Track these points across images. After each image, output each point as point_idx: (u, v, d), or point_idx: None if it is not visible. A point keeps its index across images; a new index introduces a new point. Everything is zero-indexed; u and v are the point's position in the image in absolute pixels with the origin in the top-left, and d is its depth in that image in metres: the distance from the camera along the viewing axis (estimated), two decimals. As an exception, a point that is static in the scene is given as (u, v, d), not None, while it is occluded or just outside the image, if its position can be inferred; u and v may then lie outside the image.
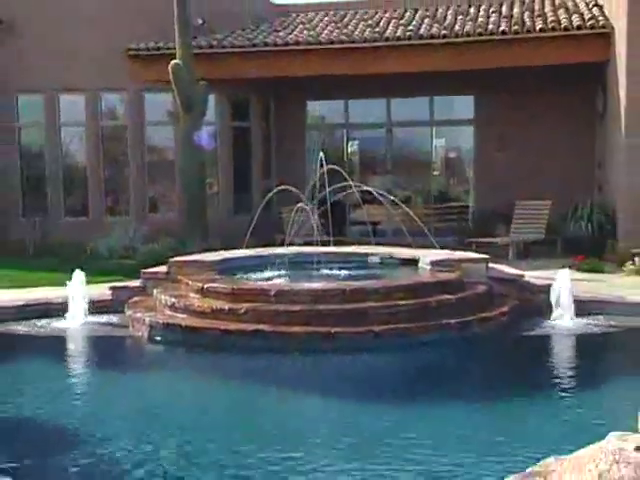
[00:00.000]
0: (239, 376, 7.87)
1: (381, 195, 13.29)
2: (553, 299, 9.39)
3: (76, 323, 9.68)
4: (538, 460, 2.90)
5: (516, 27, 15.99)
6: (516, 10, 17.33)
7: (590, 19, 15.83)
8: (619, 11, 14.81)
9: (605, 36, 15.45)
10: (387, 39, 16.37)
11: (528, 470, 2.84)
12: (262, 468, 5.27)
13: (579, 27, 15.59)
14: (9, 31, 17.77)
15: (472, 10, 17.84)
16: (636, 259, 12.75)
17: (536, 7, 17.48)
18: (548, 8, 17.26)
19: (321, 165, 12.12)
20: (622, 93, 14.50)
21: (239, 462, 5.44)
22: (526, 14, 16.89)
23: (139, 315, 9.28)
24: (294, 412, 6.84)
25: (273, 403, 7.09)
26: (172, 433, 6.24)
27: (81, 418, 6.76)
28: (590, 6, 16.86)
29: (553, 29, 15.71)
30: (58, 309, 9.93)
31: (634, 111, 14.17)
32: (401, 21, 17.45)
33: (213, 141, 16.37)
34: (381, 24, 17.39)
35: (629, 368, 7.76)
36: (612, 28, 15.30)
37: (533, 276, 10.72)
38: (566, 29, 15.63)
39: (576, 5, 17.23)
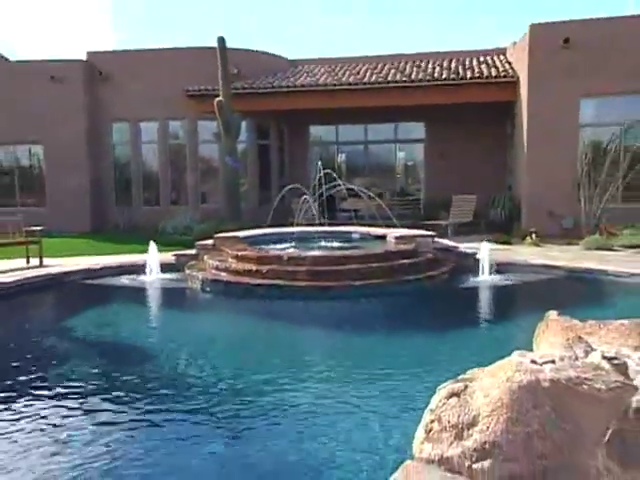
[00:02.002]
0: (262, 314, 7.89)
1: (361, 191, 13.31)
2: (480, 262, 9.45)
3: (152, 278, 9.72)
4: (466, 370, 2.90)
5: (453, 76, 15.95)
6: (453, 64, 17.31)
7: (503, 71, 15.88)
8: (522, 66, 14.85)
9: (513, 83, 15.45)
10: (365, 83, 16.29)
11: (459, 377, 2.85)
12: (278, 364, 5.51)
13: (496, 76, 15.64)
14: (106, 80, 17.72)
15: (423, 64, 17.77)
16: (533, 235, 12.78)
17: (467, 62, 17.44)
18: (475, 63, 17.24)
19: (319, 170, 12.09)
20: (524, 123, 14.52)
21: (261, 362, 5.62)
22: (460, 67, 16.85)
23: (194, 273, 9.28)
24: (298, 334, 6.98)
25: (284, 329, 7.24)
26: (216, 345, 6.45)
27: (156, 339, 6.92)
28: (503, 62, 16.97)
29: (479, 77, 15.68)
30: (140, 268, 9.94)
31: (532, 134, 14.25)
32: (375, 70, 17.37)
33: (238, 163, 16.18)
34: (361, 72, 17.31)
35: (529, 307, 7.79)
36: (518, 78, 15.30)
37: (464, 247, 10.74)
38: (487, 77, 15.63)
39: (494, 61, 17.27)
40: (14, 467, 3.49)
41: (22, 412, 4.39)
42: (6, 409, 4.45)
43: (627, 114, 13.72)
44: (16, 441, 3.87)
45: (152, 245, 10.01)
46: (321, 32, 49.09)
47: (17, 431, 4.01)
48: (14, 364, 5.77)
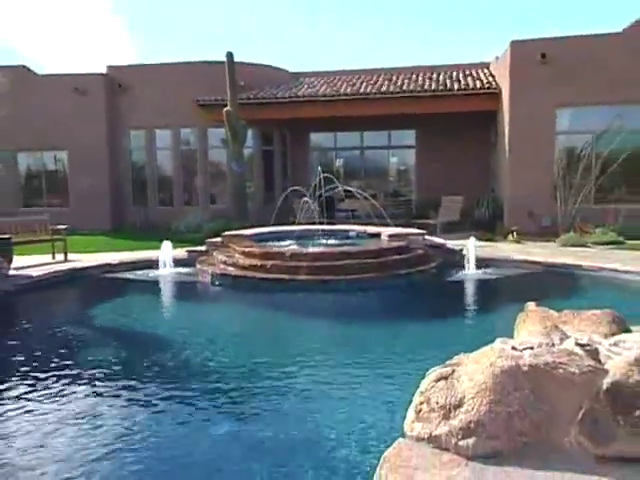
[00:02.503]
0: (266, 305, 7.92)
1: (357, 193, 13.31)
2: (466, 257, 9.50)
3: (166, 272, 9.73)
4: (453, 356, 2.92)
5: (442, 87, 15.91)
6: (441, 77, 17.24)
7: (487, 83, 15.79)
8: (504, 79, 14.84)
9: (496, 95, 15.39)
10: (361, 94, 16.27)
11: (447, 362, 2.87)
12: (280, 348, 5.57)
13: (480, 88, 15.57)
14: (125, 91, 17.74)
15: (414, 76, 17.73)
16: (514, 233, 12.80)
17: (454, 75, 17.37)
18: (461, 76, 17.16)
19: (319, 173, 12.10)
20: (506, 131, 14.51)
21: (263, 351, 5.59)
22: (447, 79, 16.80)
23: (204, 268, 9.30)
24: (299, 322, 7.01)
25: (286, 317, 7.28)
26: (223, 333, 6.44)
27: (169, 327, 6.93)
28: (487, 75, 16.87)
29: (464, 89, 15.65)
30: (155, 263, 9.94)
31: (513, 141, 14.27)
32: (370, 82, 17.34)
33: (243, 167, 16.15)
34: (357, 84, 17.27)
35: (510, 298, 7.81)
36: (500, 90, 15.26)
37: (452, 244, 10.75)
38: (472, 89, 15.60)
39: (478, 74, 17.17)
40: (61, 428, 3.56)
41: (57, 382, 4.55)
42: (43, 380, 4.56)
43: (599, 123, 13.74)
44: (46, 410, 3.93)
45: (166, 242, 10.02)
46: (322, 47, 49.10)
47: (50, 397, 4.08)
48: (42, 346, 5.87)
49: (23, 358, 5.49)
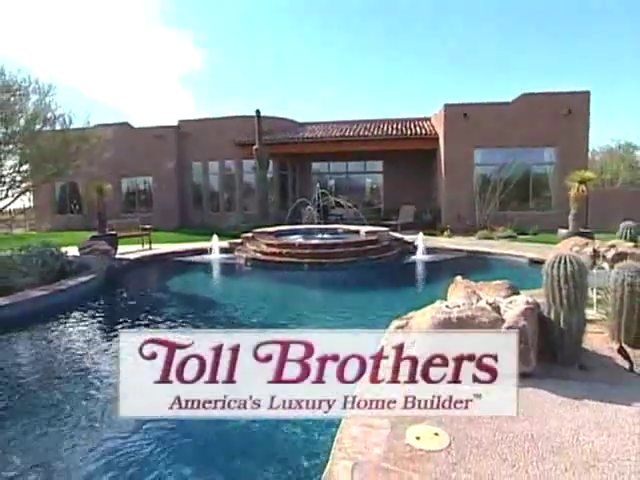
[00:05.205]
0: (282, 279, 7.97)
1: (344, 203, 13.38)
2: (417, 246, 9.54)
3: (214, 257, 9.76)
4: (407, 312, 3.02)
5: (400, 133, 15.88)
6: (399, 125, 17.13)
7: (430, 131, 15.65)
8: (440, 129, 14.78)
9: (435, 139, 15.26)
10: (346, 137, 16.24)
11: (403, 317, 2.97)
12: (292, 309, 5.50)
13: (425, 134, 15.49)
14: (187, 135, 17.70)
15: (381, 125, 17.67)
16: (448, 230, 12.86)
17: (407, 124, 17.31)
18: (412, 125, 16.99)
19: (317, 190, 12.14)
20: (442, 162, 14.53)
21: (282, 306, 5.70)
22: (403, 127, 16.73)
23: (240, 254, 9.35)
24: (305, 291, 7.06)
25: (296, 286, 7.32)
26: (254, 297, 6.44)
27: (218, 291, 7.04)
28: (429, 125, 16.62)
29: (415, 134, 15.63)
30: (207, 250, 9.98)
31: (446, 169, 14.29)
32: (352, 129, 17.28)
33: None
34: (344, 130, 17.20)
35: (444, 273, 7.75)
36: (438, 136, 15.21)
37: (407, 238, 10.76)
38: (420, 134, 15.57)
39: (423, 125, 16.84)
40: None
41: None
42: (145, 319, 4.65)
43: (500, 159, 14.04)
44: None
45: (214, 236, 10.06)
46: (320, 104, 49.30)
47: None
48: (140, 300, 6.09)
49: (129, 306, 5.90)
